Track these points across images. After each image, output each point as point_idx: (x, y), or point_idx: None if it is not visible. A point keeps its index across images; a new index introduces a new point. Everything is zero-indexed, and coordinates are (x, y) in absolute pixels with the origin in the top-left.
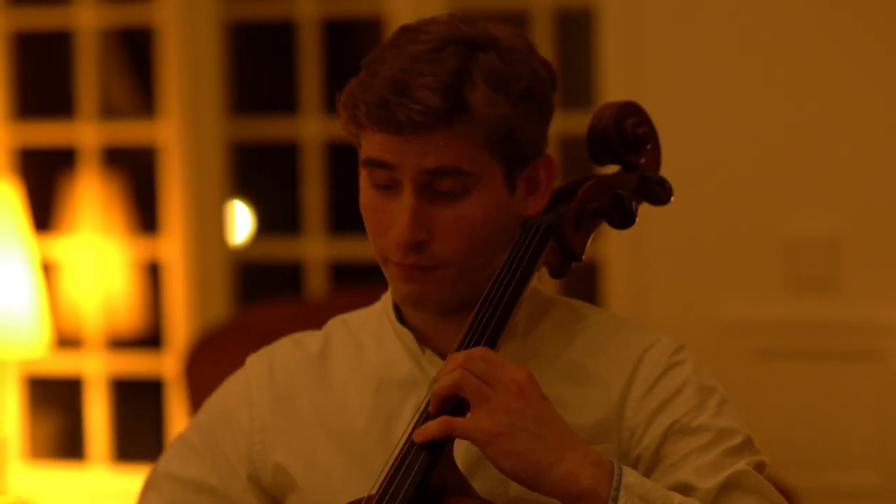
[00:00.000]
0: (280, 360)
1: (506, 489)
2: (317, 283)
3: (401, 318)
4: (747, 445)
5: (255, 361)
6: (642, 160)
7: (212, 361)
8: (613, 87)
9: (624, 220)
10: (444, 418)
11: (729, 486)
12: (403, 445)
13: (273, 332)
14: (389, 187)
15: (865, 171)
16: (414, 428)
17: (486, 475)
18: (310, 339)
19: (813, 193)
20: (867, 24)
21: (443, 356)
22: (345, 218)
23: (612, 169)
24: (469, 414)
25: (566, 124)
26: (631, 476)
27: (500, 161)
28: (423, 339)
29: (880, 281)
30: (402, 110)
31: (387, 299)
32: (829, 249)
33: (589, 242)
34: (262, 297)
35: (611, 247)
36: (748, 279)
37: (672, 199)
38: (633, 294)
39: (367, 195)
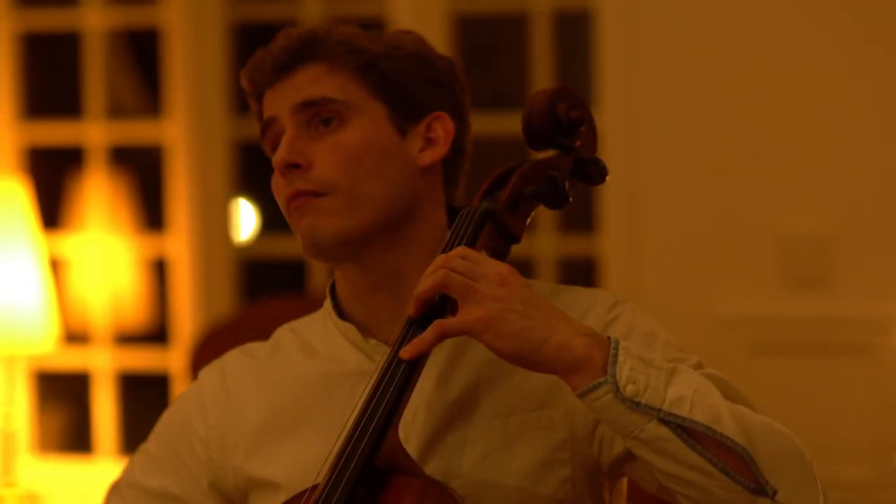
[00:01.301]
0: (231, 370)
1: (460, 463)
2: (319, 279)
3: (341, 314)
4: (702, 365)
5: (207, 374)
6: (577, 142)
7: (217, 357)
8: (612, 87)
9: (557, 201)
10: (435, 323)
11: None
12: (352, 423)
13: (277, 327)
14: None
15: (859, 169)
16: (364, 400)
17: (442, 454)
18: (258, 347)
19: (807, 191)
20: (861, 24)
21: (388, 344)
22: None
23: (550, 153)
24: (459, 310)
25: None
26: (627, 343)
27: (380, 100)
28: (365, 332)
29: (873, 277)
30: (267, 57)
31: (328, 303)
32: (822, 246)
33: (527, 223)
34: (267, 294)
35: (607, 242)
36: (743, 276)
37: (607, 178)
38: (629, 290)
39: (272, 180)
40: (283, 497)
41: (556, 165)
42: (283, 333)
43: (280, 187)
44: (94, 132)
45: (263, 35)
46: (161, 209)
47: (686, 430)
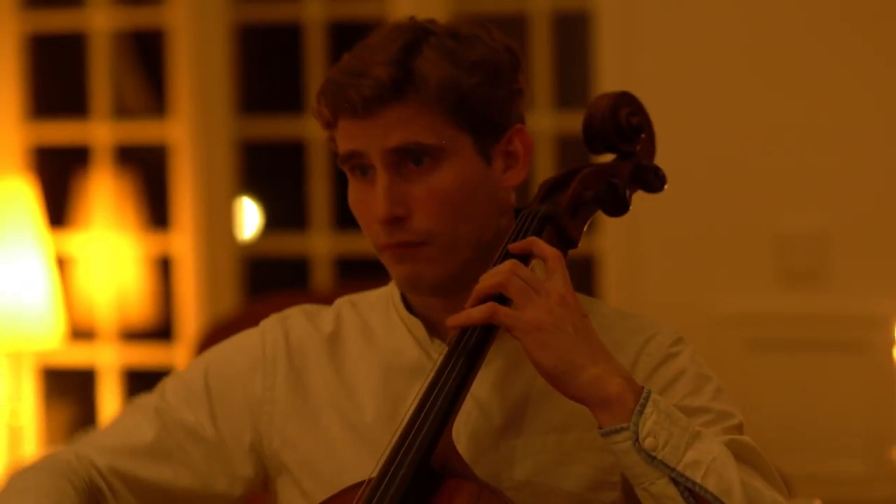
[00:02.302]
0: (295, 334)
1: (511, 473)
2: (323, 276)
3: (408, 307)
4: (742, 429)
5: (270, 329)
6: (637, 148)
7: None
8: (609, 87)
9: (618, 207)
10: (490, 303)
11: (733, 453)
12: (408, 418)
13: None
14: (366, 172)
15: (853, 169)
16: (421, 398)
17: (492, 461)
18: (322, 318)
19: (803, 191)
20: (856, 25)
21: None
22: (350, 214)
23: (607, 158)
24: (512, 308)
25: (563, 123)
26: (658, 396)
27: (467, 131)
28: (430, 329)
29: (868, 274)
30: (353, 90)
31: (393, 287)
32: (818, 244)
33: (585, 229)
34: (270, 291)
35: (607, 241)
36: (740, 273)
37: (665, 186)
38: (628, 288)
39: (351, 193)
40: (325, 481)
41: (616, 171)
42: (344, 309)
43: (368, 217)
44: (99, 132)
45: (267, 36)
46: (166, 208)
47: (694, 495)
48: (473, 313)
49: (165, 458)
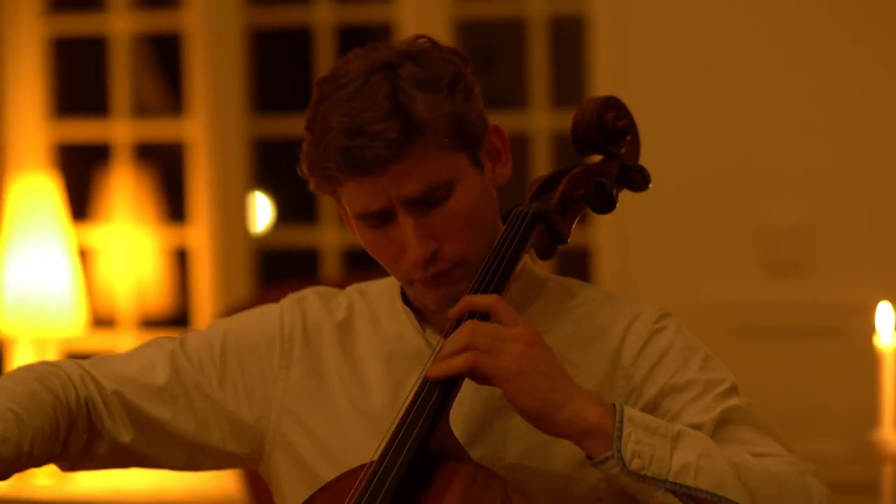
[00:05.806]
0: (312, 317)
1: (503, 455)
2: (331, 268)
3: (404, 297)
4: (735, 390)
5: (288, 308)
6: (622, 150)
7: None
8: (603, 87)
9: (605, 205)
10: (472, 352)
11: (724, 421)
12: (407, 405)
13: None
14: (385, 221)
15: (835, 163)
16: (419, 386)
17: (486, 443)
18: (336, 304)
19: (786, 184)
20: (838, 20)
21: (441, 333)
22: None
23: (594, 159)
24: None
25: (559, 122)
26: (631, 411)
27: (462, 151)
28: (424, 318)
29: (848, 265)
30: (366, 151)
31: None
32: (801, 236)
33: (574, 226)
34: (281, 281)
35: (600, 234)
36: (726, 264)
37: (650, 185)
38: (620, 278)
39: (366, 236)
40: (333, 459)
41: (603, 171)
42: (354, 297)
43: (390, 256)
44: (119, 130)
45: (279, 39)
46: (182, 202)
47: (692, 497)
48: (454, 363)
49: (170, 400)
